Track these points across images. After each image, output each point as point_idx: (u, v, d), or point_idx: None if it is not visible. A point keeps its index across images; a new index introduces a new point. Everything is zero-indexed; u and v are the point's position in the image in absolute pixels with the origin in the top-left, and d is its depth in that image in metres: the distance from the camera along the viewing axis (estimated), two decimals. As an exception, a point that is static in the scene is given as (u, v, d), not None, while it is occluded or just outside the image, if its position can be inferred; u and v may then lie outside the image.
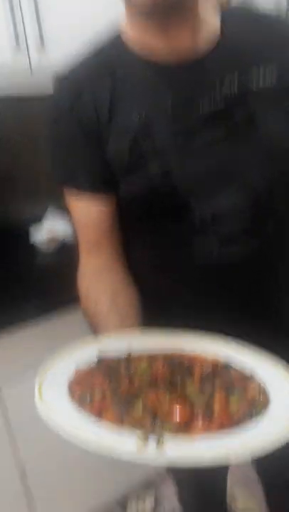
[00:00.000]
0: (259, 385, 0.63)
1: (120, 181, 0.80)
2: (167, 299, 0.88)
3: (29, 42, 1.32)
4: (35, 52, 1.33)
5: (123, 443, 0.53)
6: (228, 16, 0.80)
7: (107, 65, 0.77)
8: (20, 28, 1.29)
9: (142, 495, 1.82)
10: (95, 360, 0.70)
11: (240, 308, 0.86)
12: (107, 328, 0.80)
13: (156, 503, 1.79)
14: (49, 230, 1.71)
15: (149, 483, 1.86)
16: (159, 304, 0.89)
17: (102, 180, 0.81)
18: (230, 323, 0.76)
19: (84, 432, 0.54)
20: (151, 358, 0.70)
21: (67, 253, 0.91)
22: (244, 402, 0.60)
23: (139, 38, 0.75)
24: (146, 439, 0.54)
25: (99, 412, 0.59)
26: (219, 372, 0.67)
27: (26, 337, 1.29)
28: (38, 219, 1.79)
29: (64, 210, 0.86)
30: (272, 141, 0.78)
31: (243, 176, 0.78)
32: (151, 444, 0.53)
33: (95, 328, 0.84)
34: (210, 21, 0.77)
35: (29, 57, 1.33)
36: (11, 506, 1.48)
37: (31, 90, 1.50)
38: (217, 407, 0.60)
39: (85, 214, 0.86)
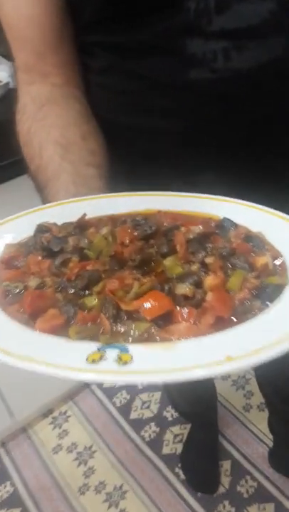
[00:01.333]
0: (272, 253, 0.43)
1: None
2: (146, 145, 0.64)
3: None
4: None
5: (70, 356, 0.35)
6: None
7: None
8: None
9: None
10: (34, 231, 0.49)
11: (246, 150, 0.61)
12: (56, 194, 0.56)
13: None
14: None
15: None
16: (134, 153, 0.65)
17: None
18: (232, 172, 0.54)
19: (9, 343, 0.35)
20: (115, 223, 0.49)
21: (11, 101, 0.65)
22: (251, 277, 0.40)
23: None
24: (104, 347, 0.35)
25: (33, 312, 0.38)
26: (214, 234, 0.46)
27: None
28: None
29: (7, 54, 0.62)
30: None
31: None
32: (111, 354, 0.34)
33: (40, 190, 0.60)
34: None
35: None
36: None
37: None
38: (210, 284, 0.39)
39: (20, 12, 0.59)
